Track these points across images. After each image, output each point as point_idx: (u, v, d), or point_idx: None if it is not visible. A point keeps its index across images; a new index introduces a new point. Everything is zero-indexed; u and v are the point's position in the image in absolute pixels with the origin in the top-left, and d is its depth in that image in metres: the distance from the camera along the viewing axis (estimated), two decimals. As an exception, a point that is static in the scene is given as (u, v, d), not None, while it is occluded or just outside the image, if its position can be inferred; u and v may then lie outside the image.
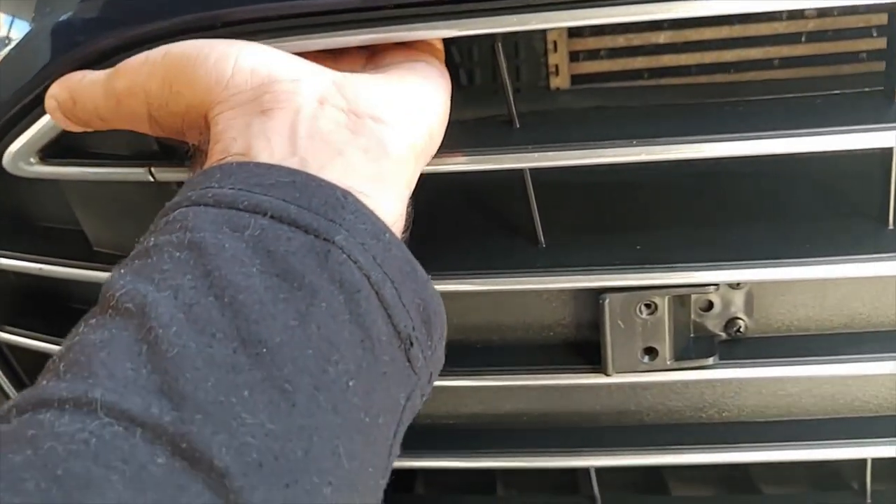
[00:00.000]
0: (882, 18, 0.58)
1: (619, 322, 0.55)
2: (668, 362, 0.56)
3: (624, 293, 0.55)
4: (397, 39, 0.49)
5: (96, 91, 0.48)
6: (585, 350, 0.59)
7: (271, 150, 0.41)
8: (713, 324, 0.58)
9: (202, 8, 0.50)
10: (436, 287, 0.43)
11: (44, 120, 0.54)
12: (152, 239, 0.39)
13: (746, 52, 0.62)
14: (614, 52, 0.64)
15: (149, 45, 0.48)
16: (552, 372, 0.59)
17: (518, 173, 0.54)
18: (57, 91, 0.50)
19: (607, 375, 0.57)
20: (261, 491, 0.32)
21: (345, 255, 0.38)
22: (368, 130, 0.43)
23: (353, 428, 0.37)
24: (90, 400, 0.32)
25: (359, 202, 0.40)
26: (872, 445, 0.60)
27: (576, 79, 0.64)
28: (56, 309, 0.69)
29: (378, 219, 0.41)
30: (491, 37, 0.50)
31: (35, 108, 0.54)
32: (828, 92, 0.56)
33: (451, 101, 0.49)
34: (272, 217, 0.38)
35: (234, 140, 0.42)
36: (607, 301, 0.55)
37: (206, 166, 0.43)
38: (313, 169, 0.41)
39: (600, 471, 0.65)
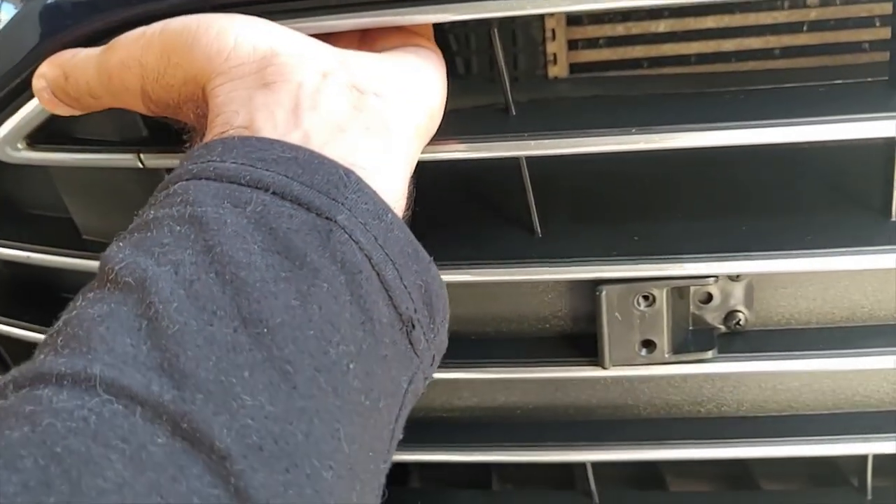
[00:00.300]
0: (885, 8, 0.58)
1: (617, 314, 0.54)
2: (667, 355, 0.56)
3: (621, 285, 0.54)
4: (390, 24, 0.48)
5: (89, 66, 0.48)
6: (582, 342, 0.58)
7: (274, 122, 0.41)
8: (712, 316, 0.58)
9: (192, -9, 0.49)
10: None
11: (31, 104, 0.54)
12: (152, 212, 0.39)
13: (747, 42, 0.61)
14: (613, 41, 0.63)
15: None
16: (548, 365, 0.58)
17: (514, 162, 0.53)
18: (47, 69, 0.50)
19: (604, 369, 0.56)
20: (261, 474, 0.32)
21: (346, 235, 0.38)
22: (371, 107, 0.43)
23: (353, 411, 0.37)
24: (89, 376, 0.32)
25: (361, 181, 0.40)
26: (873, 441, 0.59)
27: (574, 67, 0.63)
28: (45, 298, 0.68)
29: (380, 198, 0.40)
30: (487, 24, 0.50)
31: (22, 93, 0.53)
32: (829, 82, 0.55)
33: (448, 89, 0.49)
34: (274, 193, 0.38)
35: (235, 113, 0.42)
36: (604, 293, 0.54)
37: (206, 139, 0.42)
38: (316, 145, 0.40)
39: (597, 465, 0.65)
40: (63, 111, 0.51)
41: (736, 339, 0.58)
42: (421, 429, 0.63)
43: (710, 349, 0.56)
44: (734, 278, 0.56)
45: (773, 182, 0.58)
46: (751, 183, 0.58)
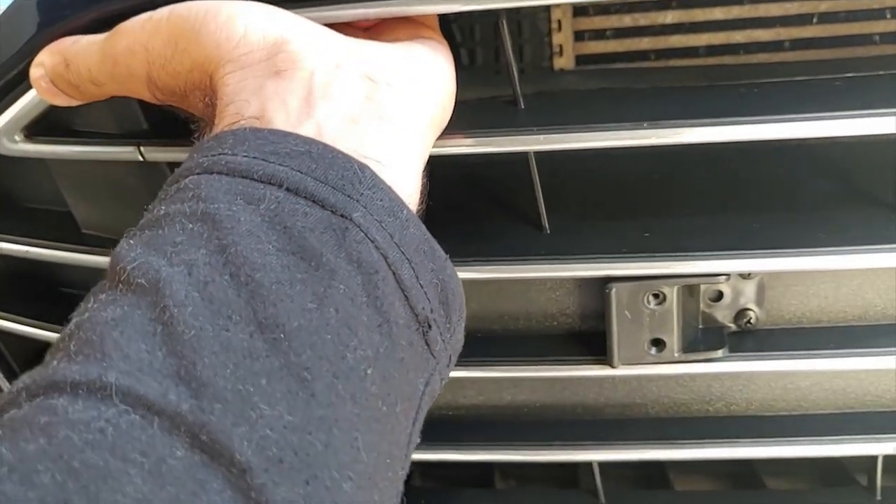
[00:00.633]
0: (896, 0, 0.57)
1: (626, 312, 0.54)
2: (676, 354, 0.55)
3: (632, 283, 0.53)
4: (397, 14, 0.47)
5: (92, 52, 0.47)
6: (590, 341, 0.58)
7: (287, 112, 0.40)
8: (723, 315, 0.57)
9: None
10: None
11: (29, 95, 0.53)
12: (163, 207, 0.38)
13: (756, 34, 0.61)
14: (620, 32, 0.62)
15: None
16: (556, 363, 0.57)
17: (522, 156, 0.52)
18: (45, 57, 0.48)
19: (613, 367, 0.55)
20: (283, 488, 0.31)
21: (362, 234, 0.37)
22: (384, 97, 0.42)
23: (371, 418, 0.36)
24: (104, 384, 0.31)
25: (376, 176, 0.39)
26: (884, 441, 0.58)
27: (580, 59, 0.63)
28: (44, 292, 0.68)
29: (395, 194, 0.39)
30: (494, 14, 0.49)
31: (20, 84, 0.53)
32: (839, 75, 0.55)
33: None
34: (287, 189, 0.37)
35: (246, 102, 0.41)
36: (614, 291, 0.53)
37: (215, 129, 0.41)
38: (328, 137, 0.39)
39: (603, 464, 0.64)
40: (61, 101, 0.50)
41: (746, 337, 0.57)
42: (425, 427, 0.62)
43: (720, 348, 0.55)
44: (746, 276, 0.55)
45: (784, 178, 0.57)
46: (762, 178, 0.57)
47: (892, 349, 0.55)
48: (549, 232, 0.55)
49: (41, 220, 0.65)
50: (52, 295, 0.69)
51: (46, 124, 0.55)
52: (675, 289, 0.53)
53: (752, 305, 0.56)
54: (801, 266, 0.51)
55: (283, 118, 0.40)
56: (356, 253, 0.37)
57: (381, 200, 0.38)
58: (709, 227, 0.54)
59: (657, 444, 0.60)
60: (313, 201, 0.37)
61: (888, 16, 0.59)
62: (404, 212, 0.39)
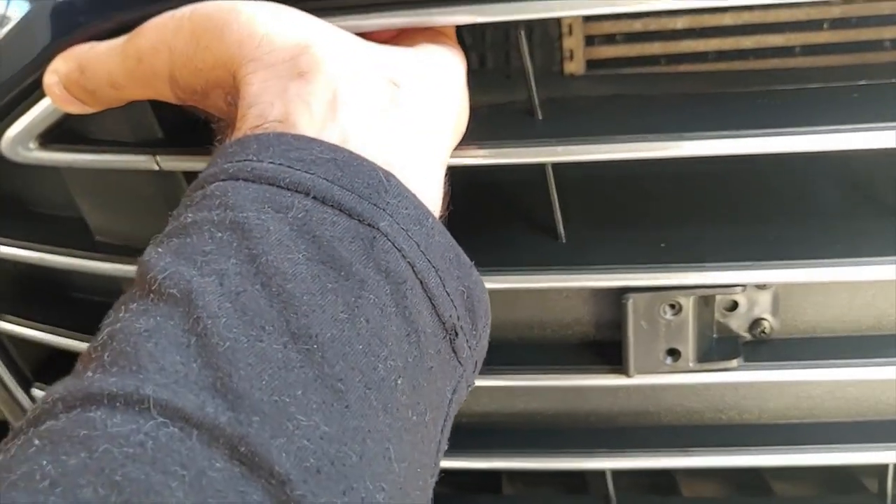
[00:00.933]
0: (910, 6, 0.57)
1: (643, 322, 0.54)
2: (691, 364, 0.55)
3: (648, 293, 0.53)
4: (417, 24, 0.47)
5: (112, 55, 0.46)
6: (605, 350, 0.58)
7: (311, 115, 0.40)
8: (737, 324, 0.57)
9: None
10: None
11: (44, 103, 0.52)
12: (189, 215, 0.37)
13: (767, 39, 0.60)
14: (631, 37, 0.62)
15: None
16: (571, 372, 0.57)
17: (538, 166, 0.52)
18: (60, 64, 0.48)
19: (628, 377, 0.55)
20: (322, 499, 0.31)
21: (390, 243, 0.37)
22: (407, 102, 0.42)
23: (402, 428, 0.36)
24: (142, 397, 0.31)
25: (401, 185, 0.39)
26: (894, 450, 0.58)
27: (591, 64, 0.62)
28: (55, 297, 0.67)
29: (420, 202, 0.39)
30: (509, 22, 0.49)
31: (34, 91, 0.52)
32: (852, 83, 0.54)
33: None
34: (314, 198, 0.37)
35: (270, 104, 0.40)
36: (631, 301, 0.53)
37: (238, 132, 0.41)
38: (353, 143, 0.39)
39: (614, 471, 0.64)
40: (75, 108, 0.49)
41: (761, 347, 0.57)
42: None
43: (735, 357, 0.55)
44: (761, 287, 0.55)
45: (799, 188, 0.57)
46: (776, 188, 0.57)
47: (906, 359, 0.55)
48: (564, 241, 0.55)
49: (55, 226, 0.64)
50: (64, 300, 0.68)
51: (61, 132, 0.55)
52: (692, 299, 0.53)
53: (766, 315, 0.56)
54: (817, 277, 0.51)
55: (307, 121, 0.40)
56: (384, 262, 0.37)
57: (406, 209, 0.38)
58: (724, 238, 0.54)
59: (670, 451, 0.60)
60: (340, 210, 0.37)
61: (900, 22, 0.59)
62: (430, 220, 0.39)
